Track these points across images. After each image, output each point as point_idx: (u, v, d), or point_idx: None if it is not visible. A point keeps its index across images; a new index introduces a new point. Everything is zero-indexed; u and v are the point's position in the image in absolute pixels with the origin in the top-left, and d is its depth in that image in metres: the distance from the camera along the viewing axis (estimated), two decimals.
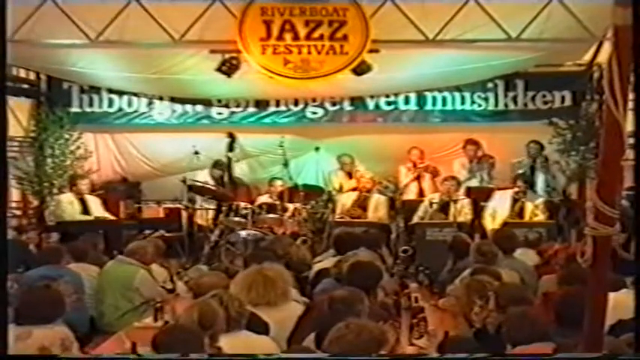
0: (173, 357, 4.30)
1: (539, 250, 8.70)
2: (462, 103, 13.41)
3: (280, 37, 12.05)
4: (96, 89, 13.33)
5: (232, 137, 12.23)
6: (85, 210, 11.86)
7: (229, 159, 12.36)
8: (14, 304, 5.45)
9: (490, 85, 13.33)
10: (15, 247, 9.42)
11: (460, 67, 12.59)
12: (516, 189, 11.63)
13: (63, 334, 5.34)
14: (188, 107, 13.49)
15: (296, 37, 12.06)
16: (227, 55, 12.14)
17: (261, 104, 13.47)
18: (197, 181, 11.99)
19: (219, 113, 13.50)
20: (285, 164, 12.14)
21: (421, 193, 12.56)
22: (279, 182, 12.47)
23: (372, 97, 13.41)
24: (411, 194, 12.65)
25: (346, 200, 12.30)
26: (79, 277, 7.65)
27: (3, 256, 2.91)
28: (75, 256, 8.11)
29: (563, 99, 13.31)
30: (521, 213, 11.51)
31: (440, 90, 13.35)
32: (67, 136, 12.76)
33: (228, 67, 12.13)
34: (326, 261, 8.27)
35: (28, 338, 5.19)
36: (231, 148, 12.28)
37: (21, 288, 6.65)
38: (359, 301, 5.27)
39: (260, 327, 5.36)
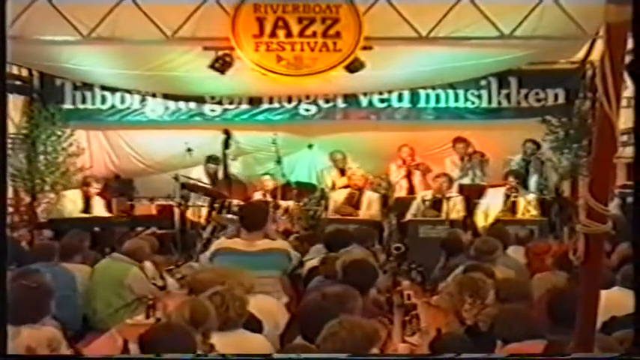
0: (173, 357, 4.28)
1: (528, 247, 8.69)
2: (456, 100, 13.45)
3: (273, 34, 12.04)
4: (89, 86, 13.34)
5: (228, 134, 12.21)
6: (87, 210, 11.88)
7: (225, 156, 12.35)
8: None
9: (483, 82, 13.36)
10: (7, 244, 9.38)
11: (453, 65, 12.61)
12: (509, 186, 11.63)
13: (50, 334, 5.29)
14: (181, 104, 13.51)
15: (289, 34, 12.05)
16: (220, 52, 12.14)
17: (254, 101, 13.49)
18: (190, 178, 11.97)
19: (212, 110, 13.51)
20: (278, 161, 12.13)
21: (411, 191, 12.58)
22: (268, 179, 12.47)
23: (365, 94, 13.45)
24: (401, 192, 12.67)
25: (338, 197, 12.28)
26: (70, 274, 7.63)
27: (2, 257, 2.90)
28: (64, 254, 8.09)
29: (556, 97, 13.35)
30: (513, 210, 11.51)
31: (433, 87, 13.38)
32: (59, 132, 12.76)
33: (222, 64, 12.13)
34: (318, 258, 8.27)
35: (16, 338, 5.16)
36: (226, 145, 12.27)
37: (9, 286, 6.60)
38: (352, 298, 5.27)
39: (254, 325, 5.35)
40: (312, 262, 8.24)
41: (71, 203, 11.96)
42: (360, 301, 5.32)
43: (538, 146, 12.55)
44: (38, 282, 5.78)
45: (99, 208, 12.01)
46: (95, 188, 12.03)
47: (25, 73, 13.22)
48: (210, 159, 12.58)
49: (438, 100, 13.47)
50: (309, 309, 5.14)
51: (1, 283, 2.90)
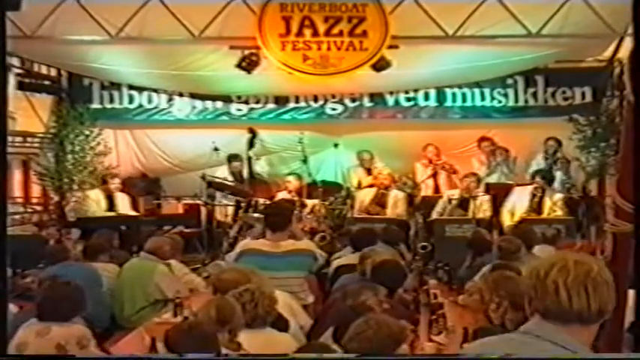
0: (190, 357, 4.30)
1: (557, 247, 8.64)
2: (482, 99, 13.38)
3: (300, 34, 12.05)
4: (116, 85, 13.39)
5: (253, 133, 12.24)
6: (112, 208, 11.98)
7: (249, 155, 12.38)
8: (37, 299, 5.50)
9: (510, 81, 13.29)
10: (36, 243, 9.49)
11: (480, 63, 12.54)
12: (535, 185, 11.57)
13: (80, 332, 5.33)
14: (208, 103, 13.53)
15: (315, 34, 12.05)
16: (247, 52, 12.17)
17: (280, 100, 13.50)
18: (216, 178, 12.00)
19: (239, 109, 13.53)
20: (305, 160, 12.15)
21: (437, 190, 12.57)
22: (292, 178, 12.46)
23: (391, 93, 13.42)
24: (427, 191, 12.64)
25: (365, 197, 12.27)
26: (96, 273, 7.69)
27: (2, 257, 2.92)
28: (91, 254, 8.18)
29: (583, 95, 13.25)
30: (539, 209, 11.44)
31: (459, 86, 13.32)
32: (87, 132, 12.82)
33: (248, 64, 12.16)
34: (344, 257, 8.27)
35: (47, 334, 5.21)
36: (251, 144, 12.29)
37: (42, 284, 6.66)
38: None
39: (281, 324, 5.36)
40: (338, 261, 8.26)
41: (94, 203, 12.06)
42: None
43: (560, 144, 12.49)
44: (72, 280, 5.82)
45: (123, 206, 12.12)
46: (114, 184, 12.15)
47: (53, 72, 13.30)
48: (232, 157, 12.61)
49: (464, 99, 13.41)
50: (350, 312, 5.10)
51: (1, 283, 2.92)
